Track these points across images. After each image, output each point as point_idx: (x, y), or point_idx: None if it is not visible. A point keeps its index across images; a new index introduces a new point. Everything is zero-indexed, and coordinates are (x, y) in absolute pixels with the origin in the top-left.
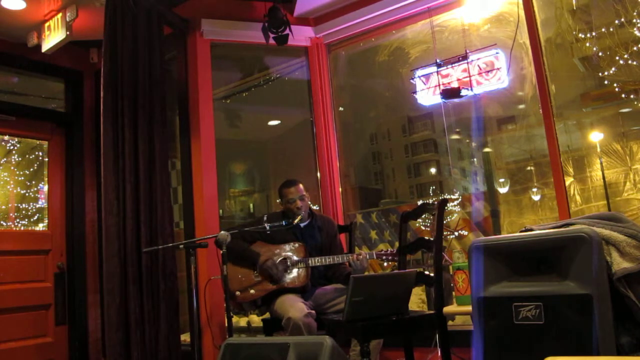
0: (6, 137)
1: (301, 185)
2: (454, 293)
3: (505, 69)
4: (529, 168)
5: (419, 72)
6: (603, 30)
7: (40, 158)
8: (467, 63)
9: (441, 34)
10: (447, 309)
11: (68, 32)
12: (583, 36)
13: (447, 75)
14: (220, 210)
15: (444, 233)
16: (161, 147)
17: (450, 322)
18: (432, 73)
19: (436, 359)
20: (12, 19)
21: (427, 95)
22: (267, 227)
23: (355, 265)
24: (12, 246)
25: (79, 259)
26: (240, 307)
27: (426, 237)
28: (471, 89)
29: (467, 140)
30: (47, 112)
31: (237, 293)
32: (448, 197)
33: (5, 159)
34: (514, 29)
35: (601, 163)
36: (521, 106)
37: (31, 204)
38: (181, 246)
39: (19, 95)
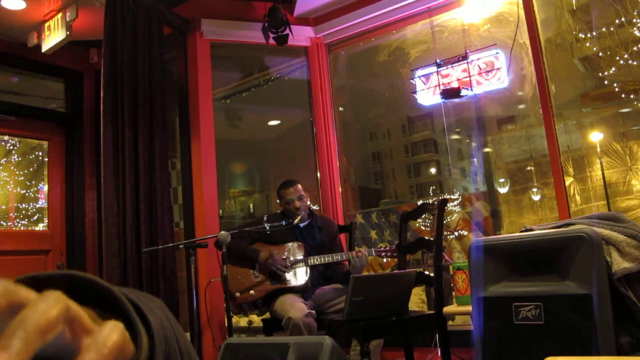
0: (6, 137)
1: (299, 186)
2: (454, 293)
3: (505, 69)
4: (529, 168)
5: (419, 72)
6: (603, 30)
7: (40, 158)
8: (467, 63)
9: (441, 34)
10: (447, 309)
11: (68, 32)
12: (583, 36)
13: (447, 75)
14: (220, 210)
15: (444, 233)
16: (161, 147)
17: (450, 322)
18: (432, 73)
19: (436, 359)
20: (12, 19)
21: (427, 95)
22: (267, 227)
23: (355, 262)
24: (12, 246)
25: (79, 259)
26: (240, 308)
27: (426, 237)
28: (471, 89)
29: (467, 140)
30: (47, 112)
31: (237, 294)
32: (448, 197)
33: (5, 159)
34: (514, 29)
35: (601, 163)
36: (521, 106)
37: (31, 204)
38: (181, 246)
39: (19, 95)
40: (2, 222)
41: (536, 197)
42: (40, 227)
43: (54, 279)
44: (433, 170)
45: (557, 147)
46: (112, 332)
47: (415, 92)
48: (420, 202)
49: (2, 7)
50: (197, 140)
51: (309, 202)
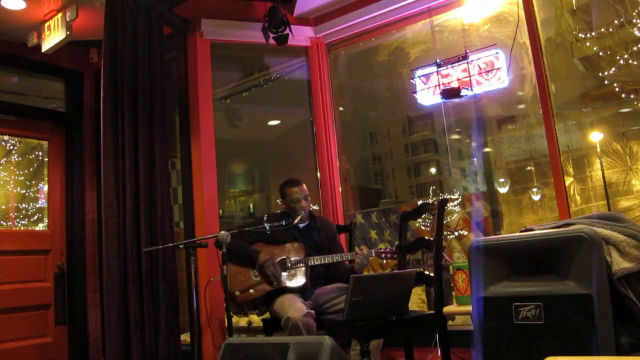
0: (6, 137)
1: (304, 186)
2: (454, 293)
3: (505, 69)
4: (529, 168)
5: (419, 72)
6: (603, 30)
7: (40, 158)
8: (467, 63)
9: (441, 34)
10: (447, 309)
11: (68, 32)
12: (583, 36)
13: (447, 75)
14: (220, 210)
15: (444, 233)
16: (161, 147)
17: (450, 322)
18: (432, 73)
19: (436, 359)
20: (12, 19)
21: (427, 95)
22: (267, 227)
23: (363, 261)
24: (12, 246)
25: (79, 259)
26: (240, 307)
27: (426, 237)
28: (471, 89)
29: (467, 140)
30: (47, 112)
31: (237, 293)
32: (448, 197)
33: (5, 159)
34: (514, 29)
35: (601, 163)
36: (521, 106)
37: (31, 204)
38: (181, 246)
39: (19, 95)
40: (2, 222)
41: (536, 197)
42: (40, 227)
43: None
44: (433, 170)
45: (557, 147)
46: None
47: (415, 92)
48: (420, 202)
49: (2, 7)
50: (197, 140)
51: (310, 203)
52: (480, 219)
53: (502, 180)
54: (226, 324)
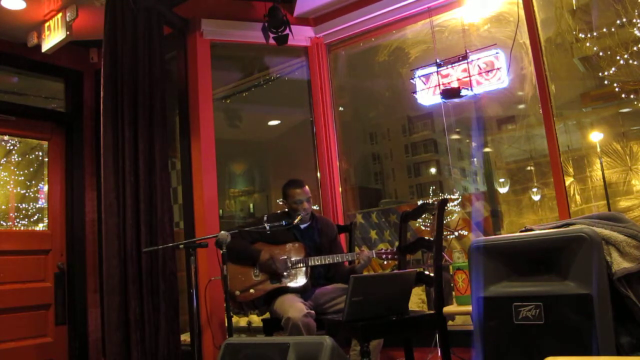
0: (6, 137)
1: (307, 187)
2: (454, 293)
3: (505, 69)
4: (529, 168)
5: (419, 72)
6: (603, 30)
7: (40, 158)
8: (467, 63)
9: (441, 34)
10: (447, 309)
11: (68, 32)
12: (583, 36)
13: (447, 75)
14: (220, 210)
15: (444, 233)
16: (161, 147)
17: (450, 322)
18: (432, 73)
19: (436, 359)
20: (12, 19)
21: (427, 95)
22: (267, 227)
23: (365, 261)
24: (12, 246)
25: (79, 259)
26: (240, 307)
27: (426, 237)
28: (471, 89)
29: (467, 140)
30: (47, 112)
31: (237, 293)
32: (448, 197)
33: (5, 159)
34: (514, 29)
35: (601, 163)
36: (521, 106)
37: (31, 204)
38: (181, 246)
39: (19, 95)
40: (2, 222)
41: (536, 197)
42: (40, 227)
43: None
44: (433, 170)
45: (557, 147)
46: None
47: (415, 92)
48: (420, 202)
49: (2, 7)
50: (197, 140)
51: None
52: (480, 219)
53: (502, 180)
54: (226, 324)
